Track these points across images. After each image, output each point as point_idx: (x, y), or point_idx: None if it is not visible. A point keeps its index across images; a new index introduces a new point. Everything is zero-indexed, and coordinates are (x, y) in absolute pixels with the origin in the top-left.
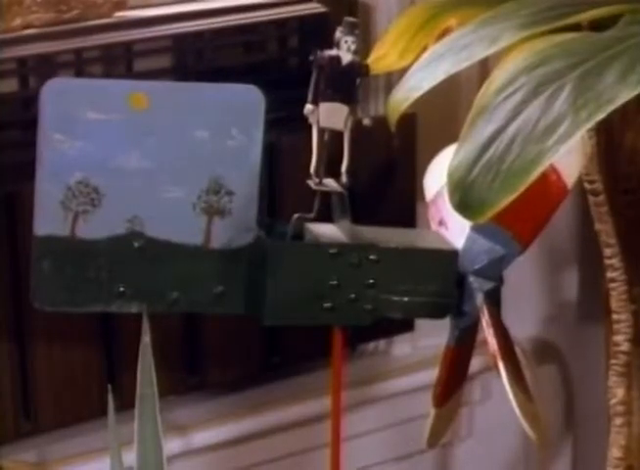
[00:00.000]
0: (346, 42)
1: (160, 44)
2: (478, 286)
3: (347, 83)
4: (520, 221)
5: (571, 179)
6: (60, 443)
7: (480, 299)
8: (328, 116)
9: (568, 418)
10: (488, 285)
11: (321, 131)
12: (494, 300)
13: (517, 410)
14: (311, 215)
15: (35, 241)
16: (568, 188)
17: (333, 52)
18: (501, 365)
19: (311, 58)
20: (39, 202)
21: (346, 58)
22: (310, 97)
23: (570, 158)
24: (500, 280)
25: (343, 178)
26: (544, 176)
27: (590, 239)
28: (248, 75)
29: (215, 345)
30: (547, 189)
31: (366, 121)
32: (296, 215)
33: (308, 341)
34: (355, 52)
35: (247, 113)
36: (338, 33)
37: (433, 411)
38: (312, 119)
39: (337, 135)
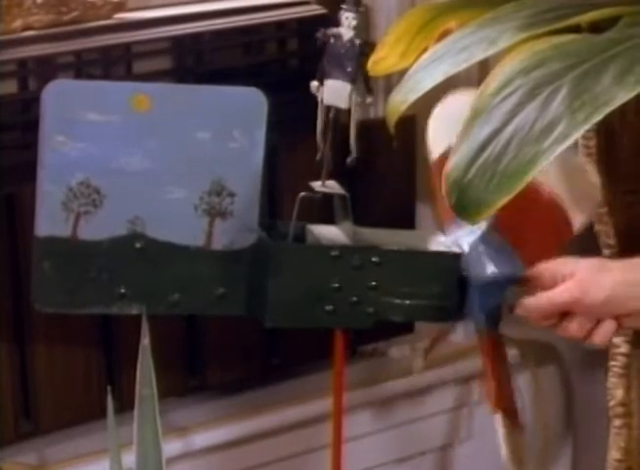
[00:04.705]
0: (347, 19)
1: (160, 46)
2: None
3: (349, 61)
4: (529, 245)
5: (578, 225)
6: (59, 444)
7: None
8: (331, 93)
9: (567, 420)
10: (490, 302)
11: (326, 108)
12: (495, 318)
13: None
14: (317, 195)
15: (36, 242)
16: (573, 232)
17: (334, 30)
18: (498, 417)
19: (317, 35)
20: (41, 203)
21: (347, 35)
22: (318, 74)
23: (582, 205)
24: (501, 296)
25: (353, 153)
26: (560, 211)
27: (590, 240)
28: (247, 77)
29: (216, 346)
30: (558, 225)
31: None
32: (301, 194)
33: (309, 343)
34: (356, 28)
35: (249, 115)
36: (341, 10)
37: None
38: (318, 96)
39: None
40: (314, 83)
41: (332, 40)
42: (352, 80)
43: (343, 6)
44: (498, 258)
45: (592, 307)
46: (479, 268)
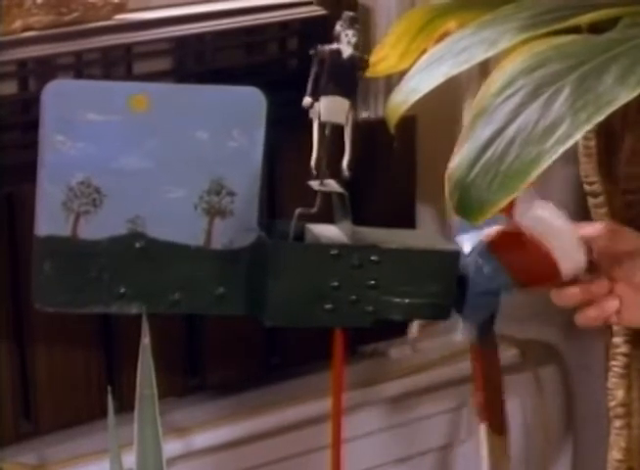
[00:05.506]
0: (347, 36)
1: (161, 46)
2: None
3: (348, 77)
4: (524, 273)
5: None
6: (59, 444)
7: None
8: (329, 110)
9: (568, 420)
10: (479, 313)
11: (322, 126)
12: (483, 328)
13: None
14: (313, 210)
15: (37, 241)
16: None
17: (333, 46)
18: (483, 427)
19: (312, 52)
20: (41, 202)
21: (347, 51)
22: (309, 90)
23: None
24: (489, 308)
25: (345, 173)
26: (553, 266)
27: None
28: (248, 77)
29: (215, 346)
30: (548, 273)
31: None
32: (298, 210)
33: (309, 342)
34: (355, 46)
35: (248, 114)
36: (338, 27)
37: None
38: (313, 114)
39: (337, 130)
40: (308, 99)
41: (330, 57)
42: (350, 96)
43: (340, 24)
44: (494, 273)
45: (617, 253)
46: (474, 276)
